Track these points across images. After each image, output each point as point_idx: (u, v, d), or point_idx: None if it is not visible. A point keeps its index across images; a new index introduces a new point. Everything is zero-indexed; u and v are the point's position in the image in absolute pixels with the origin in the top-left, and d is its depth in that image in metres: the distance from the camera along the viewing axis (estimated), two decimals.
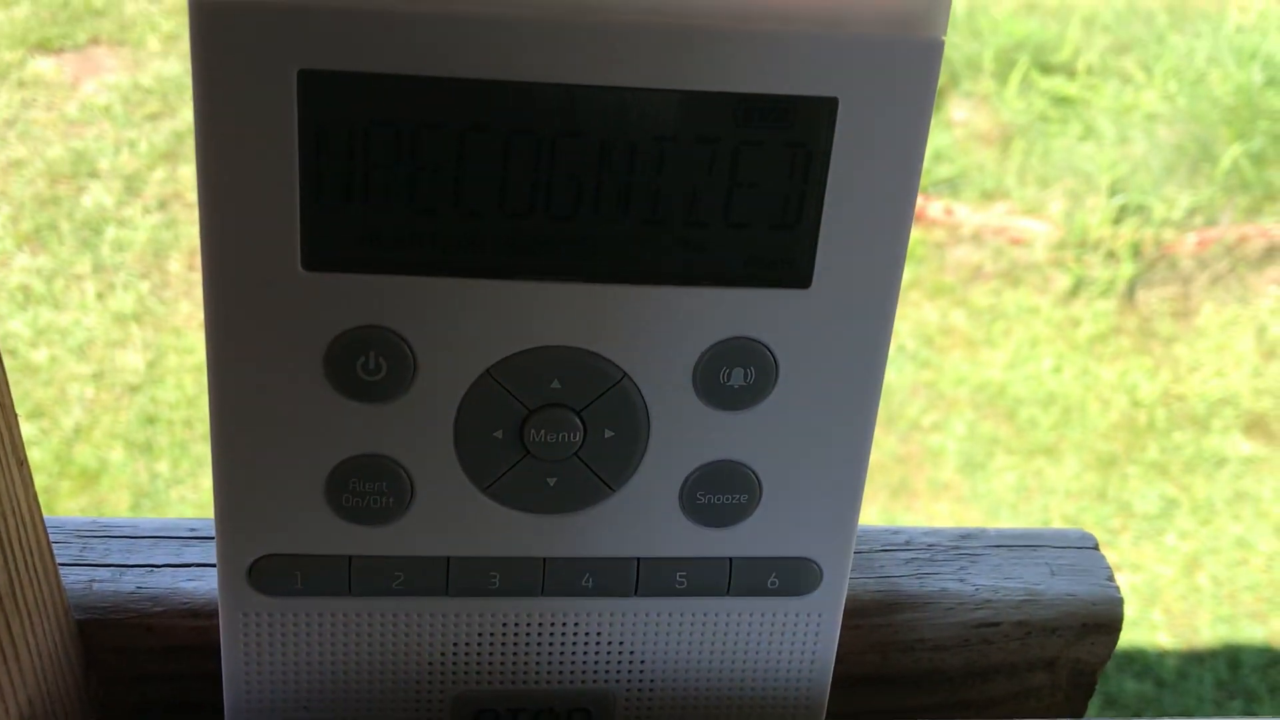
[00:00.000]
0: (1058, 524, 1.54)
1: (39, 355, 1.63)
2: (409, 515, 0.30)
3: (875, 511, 1.53)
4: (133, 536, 0.35)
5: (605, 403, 0.29)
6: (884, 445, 1.62)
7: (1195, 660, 1.37)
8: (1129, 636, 1.39)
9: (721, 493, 0.31)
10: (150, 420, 1.56)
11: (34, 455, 1.43)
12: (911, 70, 0.27)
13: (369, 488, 0.29)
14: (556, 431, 0.29)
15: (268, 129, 0.26)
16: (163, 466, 1.50)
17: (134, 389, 1.60)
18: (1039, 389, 1.73)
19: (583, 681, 0.33)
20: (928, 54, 0.27)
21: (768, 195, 0.28)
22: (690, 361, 0.29)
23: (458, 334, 0.28)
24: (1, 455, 0.29)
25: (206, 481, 1.54)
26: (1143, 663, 1.36)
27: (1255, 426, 1.71)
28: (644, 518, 0.31)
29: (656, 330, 0.29)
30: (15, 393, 0.29)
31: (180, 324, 1.70)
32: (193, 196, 1.88)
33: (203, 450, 1.52)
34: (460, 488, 0.30)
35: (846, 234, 0.28)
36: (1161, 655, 1.37)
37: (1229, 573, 1.49)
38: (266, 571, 0.30)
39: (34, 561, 0.30)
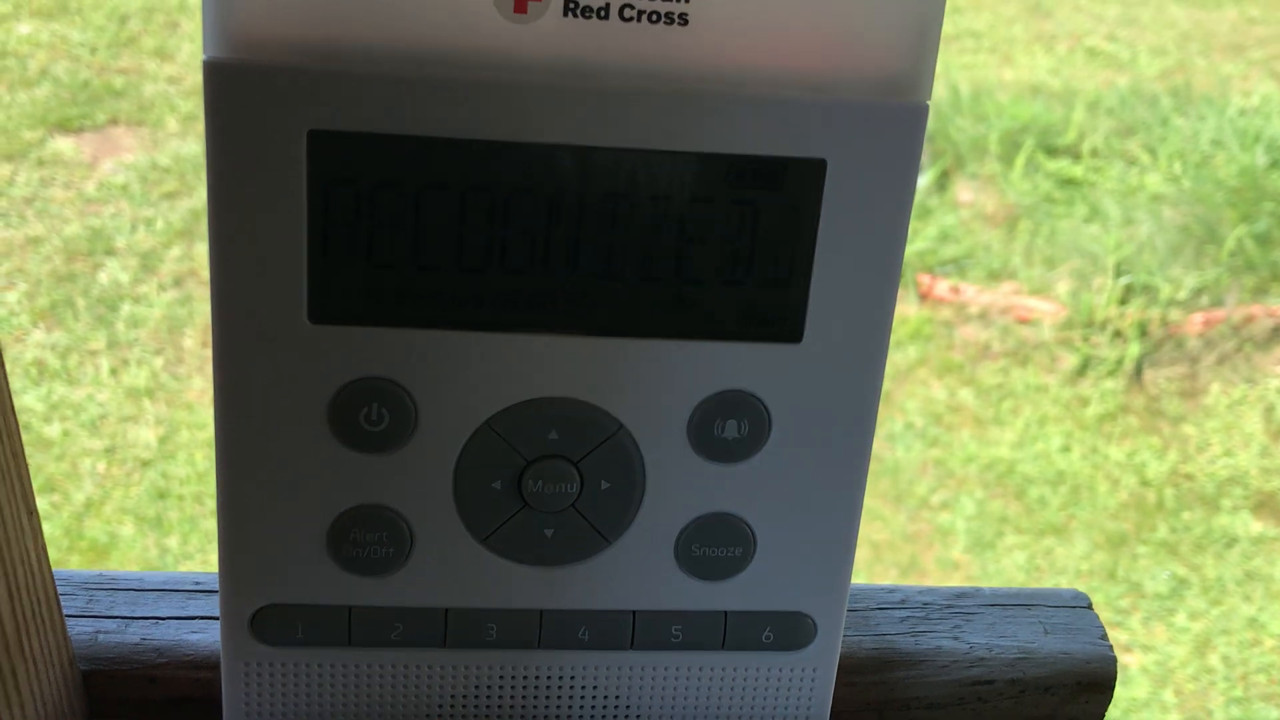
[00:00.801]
0: None
1: (52, 430, 1.64)
2: (408, 566, 0.30)
3: None
4: (139, 589, 0.36)
5: (602, 454, 0.30)
6: (893, 523, 1.62)
7: None
8: (1141, 718, 1.37)
9: (716, 545, 0.31)
10: (161, 495, 1.56)
11: (44, 529, 1.43)
12: (898, 133, 0.28)
13: (369, 538, 0.30)
14: (554, 483, 0.30)
15: (277, 186, 0.27)
16: (172, 541, 1.50)
17: (146, 464, 1.61)
18: (1048, 468, 1.73)
19: None
20: (913, 118, 0.28)
21: (759, 253, 0.29)
22: (685, 414, 0.30)
23: (458, 385, 0.29)
24: (11, 504, 0.29)
25: (215, 556, 1.53)
26: None
27: (1264, 506, 1.70)
28: (640, 570, 0.31)
29: (652, 383, 0.29)
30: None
31: (193, 399, 1.72)
32: (208, 274, 1.89)
33: (212, 525, 1.52)
34: (459, 539, 0.30)
35: (836, 290, 0.29)
36: None
37: (1241, 654, 1.47)
38: (268, 621, 0.31)
39: (41, 611, 0.31)
